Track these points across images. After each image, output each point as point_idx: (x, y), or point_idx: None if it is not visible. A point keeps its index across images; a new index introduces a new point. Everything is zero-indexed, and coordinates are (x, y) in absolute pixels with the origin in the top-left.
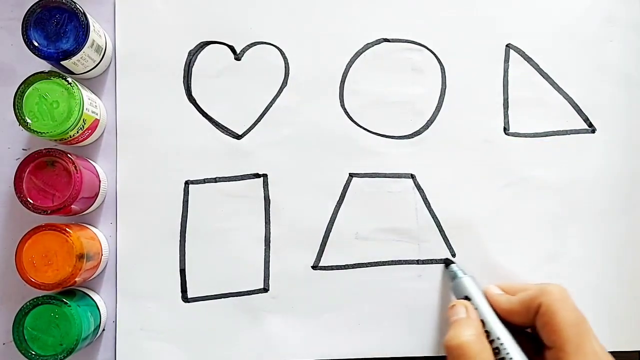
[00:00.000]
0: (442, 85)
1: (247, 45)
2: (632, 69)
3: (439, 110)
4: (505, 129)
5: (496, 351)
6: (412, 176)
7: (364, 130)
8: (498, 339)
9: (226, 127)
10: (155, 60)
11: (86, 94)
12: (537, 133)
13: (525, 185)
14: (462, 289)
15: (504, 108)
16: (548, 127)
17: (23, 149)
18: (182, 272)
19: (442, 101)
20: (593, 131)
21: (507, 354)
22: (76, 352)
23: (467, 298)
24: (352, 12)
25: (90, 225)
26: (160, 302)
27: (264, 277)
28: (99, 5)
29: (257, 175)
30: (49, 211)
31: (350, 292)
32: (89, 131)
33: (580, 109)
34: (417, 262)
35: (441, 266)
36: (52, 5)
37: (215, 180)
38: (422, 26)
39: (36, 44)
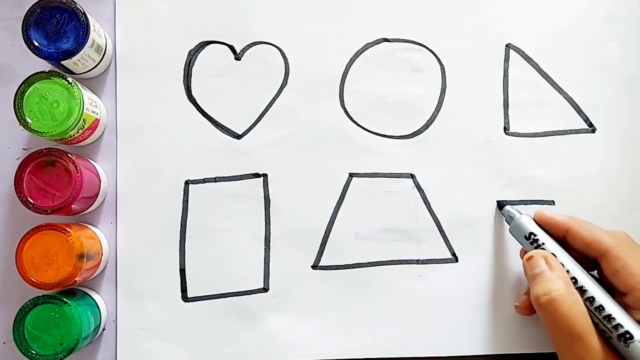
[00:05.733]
0: (442, 85)
1: (247, 45)
2: (632, 69)
3: (439, 110)
4: (505, 129)
5: (579, 290)
6: (412, 176)
7: (364, 130)
8: (577, 275)
9: (226, 127)
10: (155, 60)
11: (86, 93)
12: (537, 133)
13: (525, 185)
14: (523, 228)
15: (504, 108)
16: (548, 127)
17: (23, 149)
18: (182, 271)
19: (442, 101)
20: (593, 131)
21: (593, 293)
22: (76, 352)
23: (531, 235)
24: (352, 12)
25: (90, 224)
26: (160, 302)
27: (264, 276)
28: (99, 5)
29: (257, 175)
30: (49, 211)
31: (350, 292)
32: (89, 131)
33: (580, 109)
34: (417, 262)
35: (441, 266)
36: (53, 5)
37: (215, 180)
38: (422, 26)
39: (36, 43)
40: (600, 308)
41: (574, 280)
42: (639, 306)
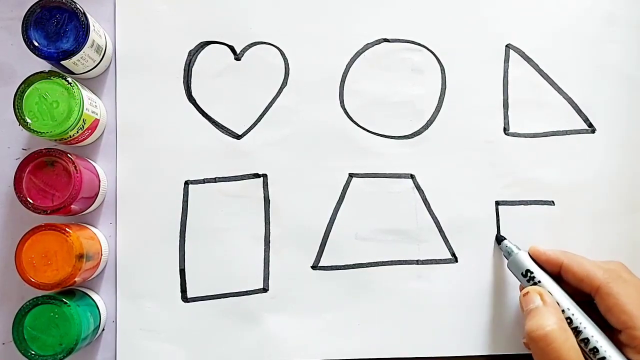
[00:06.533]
0: (442, 85)
1: (247, 45)
2: (632, 69)
3: (439, 111)
4: (505, 129)
5: (574, 330)
6: (412, 176)
7: (364, 130)
8: (573, 315)
9: (226, 127)
10: (155, 60)
11: (86, 93)
12: (537, 133)
13: (525, 185)
14: (519, 265)
15: (504, 108)
16: (548, 127)
17: (23, 149)
18: (182, 272)
19: (442, 101)
20: (593, 131)
21: (588, 334)
22: (76, 352)
23: (527, 272)
24: (352, 12)
25: (90, 225)
26: (160, 302)
27: (264, 277)
28: (99, 5)
29: (257, 175)
30: (48, 211)
31: (350, 292)
32: (89, 131)
33: (580, 109)
34: (417, 262)
35: (441, 266)
36: (53, 5)
37: (215, 180)
38: (422, 26)
39: (36, 43)
40: (595, 350)
41: (569, 321)
42: (633, 344)
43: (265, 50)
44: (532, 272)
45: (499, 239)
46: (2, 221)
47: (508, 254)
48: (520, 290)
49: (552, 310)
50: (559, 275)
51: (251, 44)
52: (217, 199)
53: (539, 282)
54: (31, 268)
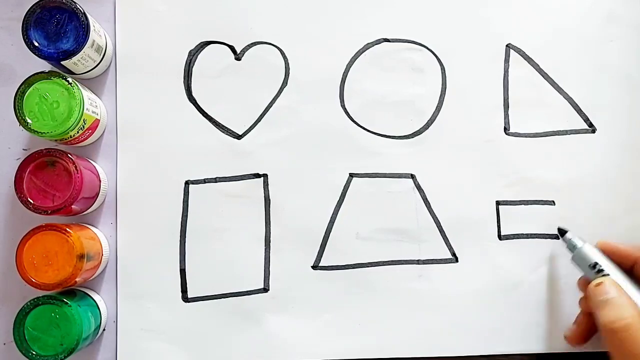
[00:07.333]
0: (442, 85)
1: (247, 45)
2: (632, 69)
3: (439, 110)
4: (506, 129)
5: None
6: (412, 176)
7: (364, 130)
8: None
9: (226, 127)
10: (155, 60)
11: (86, 94)
12: (537, 133)
13: (525, 185)
14: (587, 257)
15: (504, 108)
16: (548, 127)
17: (23, 149)
18: (182, 272)
19: (442, 101)
20: (593, 131)
21: None
22: (77, 352)
23: (596, 265)
24: (352, 12)
25: (90, 225)
26: (160, 302)
27: (264, 277)
28: (99, 5)
29: (257, 175)
30: (49, 211)
31: (350, 292)
32: (89, 131)
33: (580, 109)
34: (418, 262)
35: (441, 266)
36: (53, 5)
37: (215, 180)
38: (422, 26)
39: (36, 44)
40: None
41: None
42: None
43: (265, 50)
44: (600, 265)
45: (561, 232)
46: (2, 221)
47: (573, 246)
48: (580, 286)
49: (630, 302)
50: (629, 270)
51: (251, 43)
52: (217, 199)
53: (608, 275)
54: (32, 268)
